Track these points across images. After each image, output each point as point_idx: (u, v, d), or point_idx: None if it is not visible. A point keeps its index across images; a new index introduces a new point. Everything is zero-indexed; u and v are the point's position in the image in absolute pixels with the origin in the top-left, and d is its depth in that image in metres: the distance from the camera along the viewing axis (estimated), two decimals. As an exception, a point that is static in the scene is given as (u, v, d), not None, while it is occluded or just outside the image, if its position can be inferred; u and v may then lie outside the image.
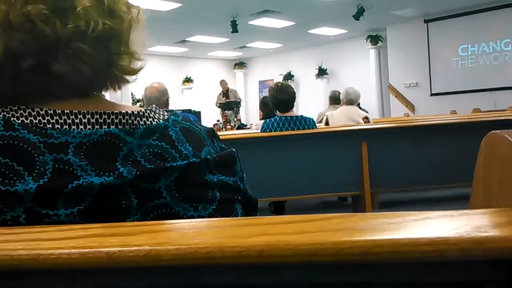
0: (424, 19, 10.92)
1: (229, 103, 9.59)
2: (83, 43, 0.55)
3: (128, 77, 0.64)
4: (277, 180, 3.78)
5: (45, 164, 0.51)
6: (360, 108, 4.93)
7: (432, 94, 11.07)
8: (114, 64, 0.60)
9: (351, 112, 4.56)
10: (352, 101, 4.60)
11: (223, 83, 10.08)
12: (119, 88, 0.65)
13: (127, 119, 0.57)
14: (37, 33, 0.53)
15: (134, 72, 0.64)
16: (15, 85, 0.55)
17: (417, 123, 4.44)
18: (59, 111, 0.55)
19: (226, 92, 9.93)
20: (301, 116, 3.89)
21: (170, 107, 3.96)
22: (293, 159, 3.83)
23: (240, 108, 10.29)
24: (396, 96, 11.67)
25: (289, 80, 13.50)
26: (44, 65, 0.55)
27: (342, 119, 4.52)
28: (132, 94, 11.67)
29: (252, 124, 7.21)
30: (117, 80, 0.63)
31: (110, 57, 0.59)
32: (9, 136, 0.52)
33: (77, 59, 0.56)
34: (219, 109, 9.94)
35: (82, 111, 0.56)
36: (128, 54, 0.61)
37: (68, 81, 0.56)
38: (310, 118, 3.91)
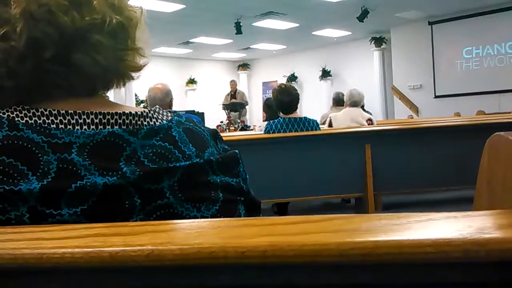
0: (428, 21, 10.90)
1: (233, 104, 9.57)
2: (100, 36, 0.57)
3: (133, 74, 0.65)
4: (280, 181, 3.78)
5: (49, 164, 0.51)
6: (363, 110, 4.93)
7: (436, 96, 11.03)
8: (122, 59, 0.61)
9: (355, 114, 4.55)
10: (356, 102, 4.60)
11: (232, 83, 10.08)
12: (124, 85, 0.66)
13: (130, 120, 0.58)
14: (58, 23, 0.54)
15: (139, 68, 0.65)
16: (36, 77, 0.56)
17: (421, 125, 4.44)
18: (63, 111, 0.55)
19: (234, 93, 9.92)
20: (305, 117, 3.88)
21: (174, 108, 3.97)
22: (296, 160, 3.83)
23: (244, 110, 10.26)
24: (400, 98, 11.64)
25: (292, 82, 13.48)
26: (64, 56, 0.56)
27: (345, 120, 4.51)
28: (136, 95, 11.69)
29: (255, 126, 7.20)
30: (123, 76, 0.64)
31: (119, 52, 0.61)
32: (13, 136, 0.52)
33: (95, 50, 0.57)
34: (224, 110, 9.92)
35: (86, 112, 0.56)
36: (134, 49, 0.63)
37: (86, 72, 0.57)
38: (313, 120, 3.91)
